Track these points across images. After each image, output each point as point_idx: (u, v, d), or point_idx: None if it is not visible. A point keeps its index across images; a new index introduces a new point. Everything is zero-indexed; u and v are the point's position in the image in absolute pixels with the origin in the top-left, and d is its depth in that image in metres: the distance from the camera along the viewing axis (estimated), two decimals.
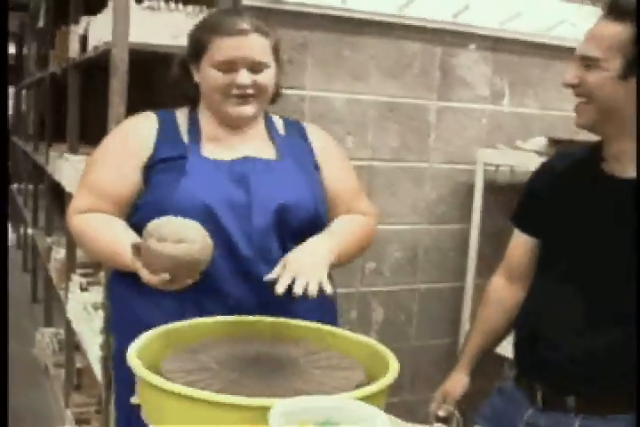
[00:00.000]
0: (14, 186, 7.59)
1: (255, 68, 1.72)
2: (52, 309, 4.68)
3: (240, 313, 1.64)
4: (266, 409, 1.03)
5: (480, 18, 2.98)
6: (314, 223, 1.76)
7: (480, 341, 1.88)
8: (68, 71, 3.38)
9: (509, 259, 1.87)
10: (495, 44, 3.08)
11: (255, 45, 1.71)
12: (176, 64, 1.85)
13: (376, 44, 2.85)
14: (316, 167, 1.85)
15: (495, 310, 1.87)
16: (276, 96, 1.86)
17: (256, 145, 1.81)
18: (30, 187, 5.77)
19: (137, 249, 1.50)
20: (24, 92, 6.91)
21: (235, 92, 1.72)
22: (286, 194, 1.72)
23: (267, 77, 1.75)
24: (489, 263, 1.91)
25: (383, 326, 3.05)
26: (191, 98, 1.85)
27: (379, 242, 2.96)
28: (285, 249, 1.69)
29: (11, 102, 11.44)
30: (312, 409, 1.08)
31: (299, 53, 2.72)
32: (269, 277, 1.57)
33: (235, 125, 1.80)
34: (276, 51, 1.77)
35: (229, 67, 1.70)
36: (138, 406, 1.33)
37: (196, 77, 1.79)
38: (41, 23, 5.24)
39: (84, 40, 3.00)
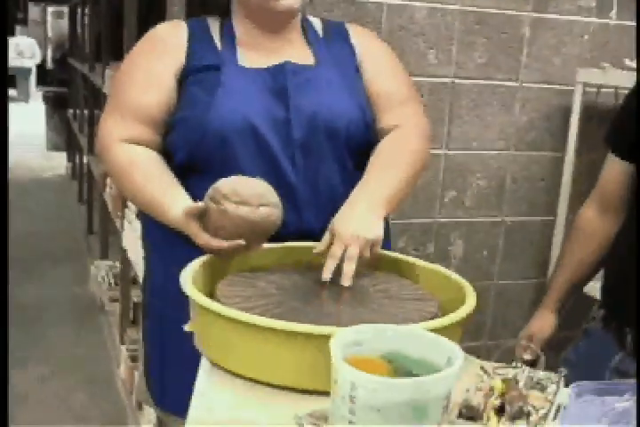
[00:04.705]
0: (70, 111, 7.70)
1: None
2: (109, 240, 4.78)
3: (287, 240, 1.61)
4: (327, 338, 1.01)
5: None
6: (364, 138, 1.71)
7: (567, 276, 1.84)
8: None
9: (602, 187, 1.79)
10: None
11: None
12: None
13: None
14: (357, 70, 1.79)
15: (584, 244, 1.81)
16: None
17: (295, 50, 1.76)
18: (86, 112, 5.84)
19: (200, 212, 1.44)
20: (79, 10, 6.90)
21: None
22: (328, 106, 1.67)
23: None
24: (584, 196, 1.84)
25: (463, 262, 3.02)
26: (221, 6, 1.79)
27: (460, 169, 2.92)
28: (336, 170, 1.68)
29: (65, 22, 11.55)
30: (379, 340, 1.06)
31: None
32: (317, 250, 1.54)
33: (275, 25, 1.74)
34: None
35: None
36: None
37: None
38: None
39: None
